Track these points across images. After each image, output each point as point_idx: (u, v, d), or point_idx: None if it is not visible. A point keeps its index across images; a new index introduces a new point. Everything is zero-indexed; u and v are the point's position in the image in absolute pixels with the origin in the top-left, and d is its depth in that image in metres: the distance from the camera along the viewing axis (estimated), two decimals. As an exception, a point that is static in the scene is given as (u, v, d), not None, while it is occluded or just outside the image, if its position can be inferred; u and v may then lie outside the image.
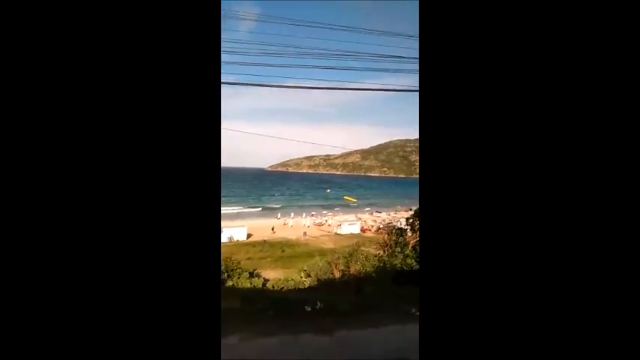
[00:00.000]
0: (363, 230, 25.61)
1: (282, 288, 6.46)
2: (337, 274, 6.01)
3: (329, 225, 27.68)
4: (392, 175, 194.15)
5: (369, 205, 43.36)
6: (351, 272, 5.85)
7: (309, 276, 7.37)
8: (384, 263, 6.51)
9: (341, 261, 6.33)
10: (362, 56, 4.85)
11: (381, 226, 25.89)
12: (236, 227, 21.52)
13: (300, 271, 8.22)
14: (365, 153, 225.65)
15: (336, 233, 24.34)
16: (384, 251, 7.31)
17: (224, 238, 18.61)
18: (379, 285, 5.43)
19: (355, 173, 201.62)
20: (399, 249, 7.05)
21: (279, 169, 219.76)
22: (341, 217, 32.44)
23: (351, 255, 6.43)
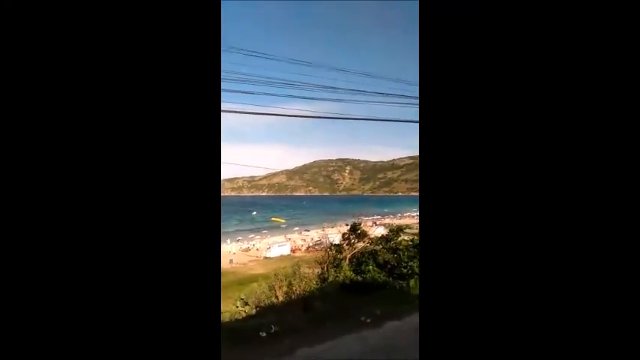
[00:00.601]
0: (293, 251, 24.83)
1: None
2: (281, 297, 5.35)
3: (257, 249, 25.92)
4: (317, 193, 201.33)
5: (297, 224, 43.09)
6: (295, 292, 5.29)
7: (246, 304, 6.38)
8: (324, 279, 6.21)
9: (284, 282, 5.73)
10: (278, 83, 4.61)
11: (311, 244, 25.67)
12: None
13: (236, 300, 7.10)
14: (290, 173, 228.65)
15: (265, 257, 22.84)
16: (323, 268, 7.02)
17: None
18: (326, 299, 5.07)
19: (281, 194, 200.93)
20: (336, 263, 6.87)
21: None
22: (269, 239, 30.97)
23: (294, 274, 5.93)
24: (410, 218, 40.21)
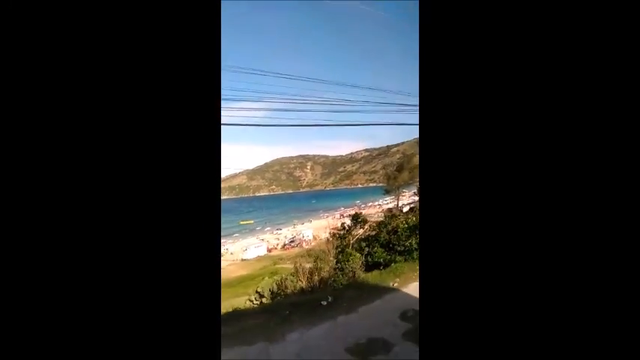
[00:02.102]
0: (269, 250, 25.83)
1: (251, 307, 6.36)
2: (304, 283, 6.48)
3: (231, 253, 26.33)
4: (280, 191, 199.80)
5: (267, 224, 43.44)
6: (315, 278, 6.42)
7: (262, 297, 7.42)
8: (338, 261, 7.37)
9: (306, 270, 6.70)
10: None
11: (286, 242, 26.89)
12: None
13: (251, 295, 8.09)
14: (251, 173, 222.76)
15: (242, 259, 23.53)
16: (332, 255, 8.10)
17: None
18: (350, 278, 6.40)
19: (243, 195, 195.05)
20: (341, 249, 8.14)
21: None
22: (242, 242, 31.33)
23: (317, 259, 6.86)
24: (373, 208, 43.37)
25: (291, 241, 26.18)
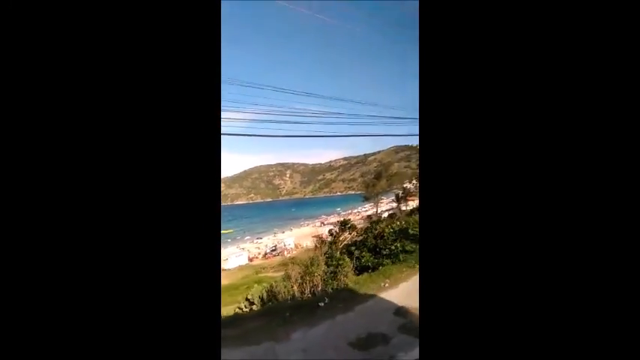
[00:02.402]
0: (250, 259, 25.45)
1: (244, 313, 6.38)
2: (296, 288, 6.62)
3: (212, 263, 25.50)
4: (259, 200, 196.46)
5: (247, 233, 42.65)
6: (308, 283, 6.60)
7: (252, 304, 7.46)
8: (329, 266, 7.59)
9: (300, 275, 6.82)
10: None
11: (268, 251, 26.65)
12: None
13: (241, 302, 8.10)
14: (229, 181, 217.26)
15: (223, 269, 22.97)
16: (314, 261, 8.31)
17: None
18: (340, 282, 6.70)
19: (222, 203, 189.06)
20: (329, 255, 8.43)
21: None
22: (223, 251, 30.54)
23: (311, 265, 7.04)
24: (352, 215, 44.17)
25: (273, 250, 26.02)
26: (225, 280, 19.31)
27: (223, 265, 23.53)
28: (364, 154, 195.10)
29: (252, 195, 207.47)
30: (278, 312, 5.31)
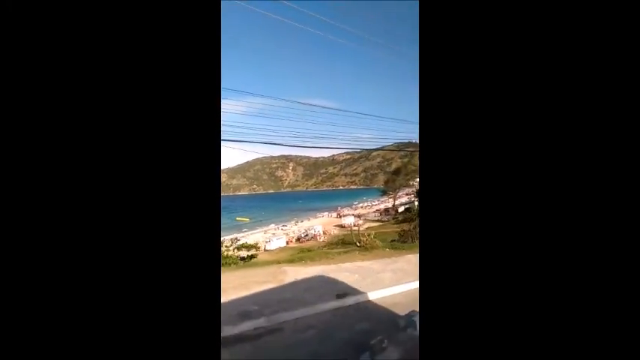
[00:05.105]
0: (287, 243, 28.44)
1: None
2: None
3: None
4: (262, 191, 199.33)
5: (261, 223, 44.94)
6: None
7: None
8: None
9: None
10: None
11: (302, 236, 29.62)
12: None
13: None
14: (231, 172, 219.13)
15: (265, 250, 25.87)
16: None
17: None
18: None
19: (224, 194, 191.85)
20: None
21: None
22: (254, 236, 33.39)
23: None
24: (363, 209, 47.13)
25: (305, 235, 29.08)
26: (270, 258, 22.00)
27: (266, 247, 26.49)
28: (368, 149, 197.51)
29: (255, 186, 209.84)
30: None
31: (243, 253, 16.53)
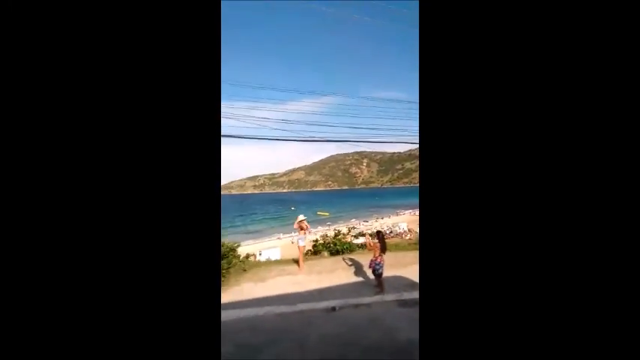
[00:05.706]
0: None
1: None
2: None
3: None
4: (336, 187, 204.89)
5: (342, 218, 45.82)
6: None
7: None
8: None
9: None
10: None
11: (387, 232, 30.00)
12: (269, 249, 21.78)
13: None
14: (309, 169, 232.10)
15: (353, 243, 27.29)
16: None
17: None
18: None
19: (302, 189, 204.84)
20: None
21: (223, 192, 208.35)
22: (342, 226, 34.97)
23: None
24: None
25: (390, 232, 29.41)
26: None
27: (355, 241, 27.82)
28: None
29: (330, 182, 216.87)
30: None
31: (359, 241, 18.03)
